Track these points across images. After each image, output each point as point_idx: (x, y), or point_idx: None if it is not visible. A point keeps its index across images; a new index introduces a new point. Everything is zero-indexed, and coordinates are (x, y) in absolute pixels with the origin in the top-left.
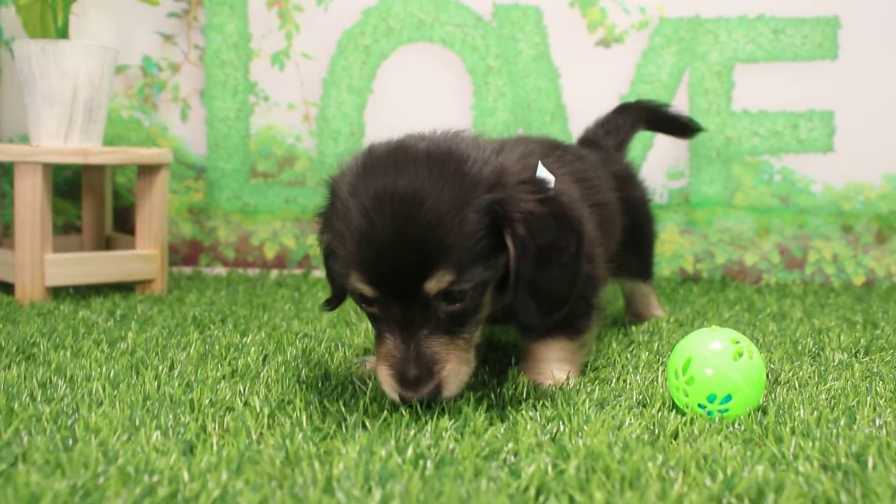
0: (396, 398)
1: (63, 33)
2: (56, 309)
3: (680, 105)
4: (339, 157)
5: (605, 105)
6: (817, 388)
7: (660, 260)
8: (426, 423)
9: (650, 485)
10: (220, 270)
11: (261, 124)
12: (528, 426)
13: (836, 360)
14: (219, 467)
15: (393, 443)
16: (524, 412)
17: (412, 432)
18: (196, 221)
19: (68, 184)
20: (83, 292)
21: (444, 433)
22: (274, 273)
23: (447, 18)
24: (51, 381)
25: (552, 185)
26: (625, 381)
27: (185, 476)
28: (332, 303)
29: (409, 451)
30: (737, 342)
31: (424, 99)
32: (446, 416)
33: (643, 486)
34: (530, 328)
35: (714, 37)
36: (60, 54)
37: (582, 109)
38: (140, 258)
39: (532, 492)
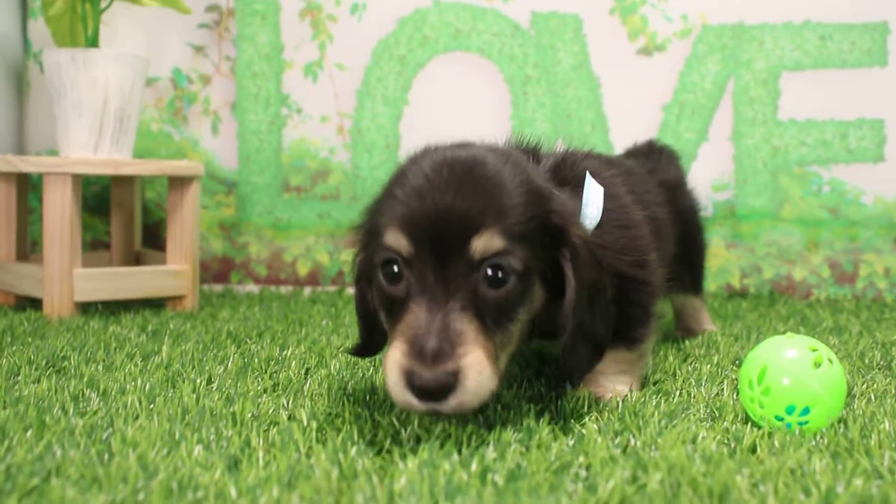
0: (399, 385)
1: (93, 43)
2: (85, 324)
3: (724, 115)
4: (373, 170)
5: (646, 114)
6: None
7: (706, 275)
8: (489, 436)
9: (744, 500)
10: (252, 288)
11: (293, 137)
12: (598, 439)
13: None
14: (269, 482)
15: (456, 456)
16: (589, 425)
17: (474, 445)
18: (227, 237)
19: (96, 199)
20: (112, 308)
21: (509, 446)
22: (307, 290)
23: (484, 27)
24: (83, 395)
25: (600, 203)
26: (689, 393)
27: (233, 492)
28: (362, 349)
29: (474, 465)
30: (815, 349)
31: (462, 109)
32: (509, 429)
33: (736, 502)
34: (572, 372)
35: (759, 44)
36: (91, 63)
37: (623, 119)
38: (171, 274)
39: None
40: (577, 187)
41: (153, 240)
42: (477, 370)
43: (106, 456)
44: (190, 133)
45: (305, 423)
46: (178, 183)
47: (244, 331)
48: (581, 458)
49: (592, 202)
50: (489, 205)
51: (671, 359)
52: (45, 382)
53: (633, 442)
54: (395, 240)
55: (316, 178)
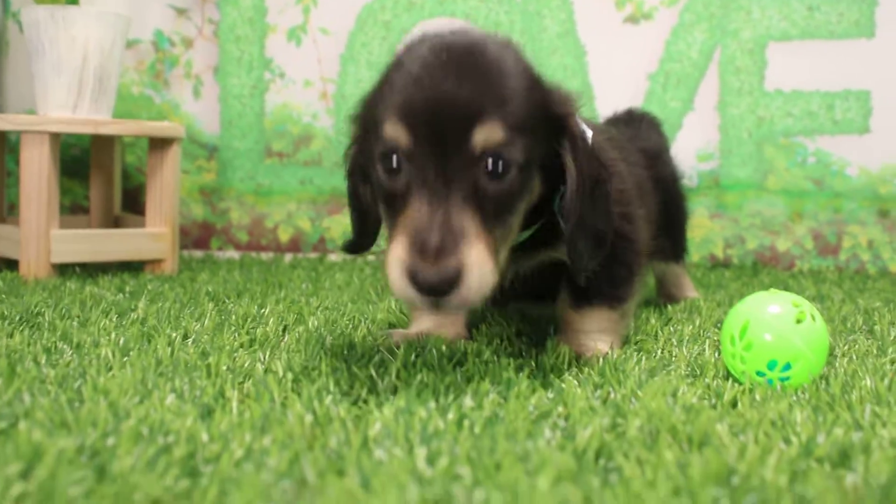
0: (401, 281)
1: (73, 1)
2: (62, 284)
3: (710, 84)
4: None
5: (632, 83)
6: (878, 359)
7: (689, 245)
8: (467, 386)
9: (724, 445)
10: (233, 254)
11: (276, 102)
12: (577, 391)
13: (893, 335)
14: (241, 428)
15: (432, 404)
16: (569, 379)
17: (452, 396)
18: (208, 203)
19: (76, 162)
20: (90, 271)
21: (486, 396)
22: (288, 257)
23: None
24: (56, 347)
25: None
26: (670, 353)
27: (204, 437)
28: (355, 246)
29: (451, 414)
30: (798, 305)
31: None
32: (487, 381)
33: (717, 447)
34: (576, 270)
35: (746, 13)
36: (70, 21)
37: (609, 88)
38: (150, 236)
39: (591, 453)
40: None
41: (133, 204)
42: (479, 266)
43: (76, 403)
44: (171, 97)
45: (281, 374)
46: (159, 145)
47: (223, 291)
48: (560, 408)
49: None
50: (490, 93)
51: (653, 321)
52: (18, 336)
53: (612, 394)
54: (394, 131)
55: (298, 144)
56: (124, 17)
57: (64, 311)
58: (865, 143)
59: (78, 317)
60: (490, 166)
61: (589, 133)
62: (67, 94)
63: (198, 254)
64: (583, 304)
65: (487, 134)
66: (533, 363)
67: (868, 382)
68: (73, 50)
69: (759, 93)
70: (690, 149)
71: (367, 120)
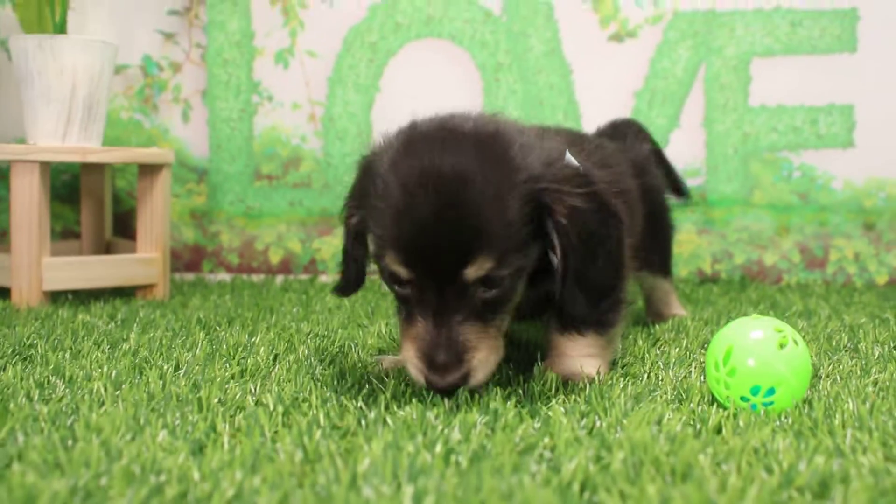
0: (423, 381)
1: (61, 29)
2: (54, 313)
3: (696, 101)
4: (345, 157)
5: (618, 101)
6: (861, 380)
7: (677, 260)
8: (454, 418)
9: (706, 478)
10: (224, 276)
11: (265, 125)
12: (563, 421)
13: (877, 354)
14: (232, 466)
15: (420, 438)
16: (556, 407)
17: (440, 428)
18: (198, 226)
19: (67, 188)
20: (82, 298)
21: (473, 428)
22: (279, 279)
23: (456, 14)
24: (49, 382)
25: (592, 176)
26: (657, 377)
27: (196, 475)
28: (346, 289)
29: (439, 447)
30: (780, 330)
31: (433, 96)
32: (475, 411)
33: (698, 480)
34: (574, 321)
35: (730, 30)
36: (58, 50)
37: (595, 105)
38: (141, 262)
39: (576, 487)
40: None
41: (124, 229)
42: (484, 363)
43: (69, 441)
44: (160, 121)
45: (272, 407)
46: (148, 170)
47: (214, 318)
48: (546, 440)
49: None
50: (479, 233)
51: (640, 343)
52: (11, 370)
53: (598, 423)
54: (396, 267)
55: (287, 166)
56: (112, 45)
57: (56, 342)
58: (849, 157)
59: (70, 348)
60: (482, 284)
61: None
62: (57, 123)
63: (189, 277)
64: (571, 330)
65: (478, 269)
66: (520, 391)
67: (850, 405)
68: (62, 79)
69: (744, 108)
70: (677, 165)
71: (364, 200)
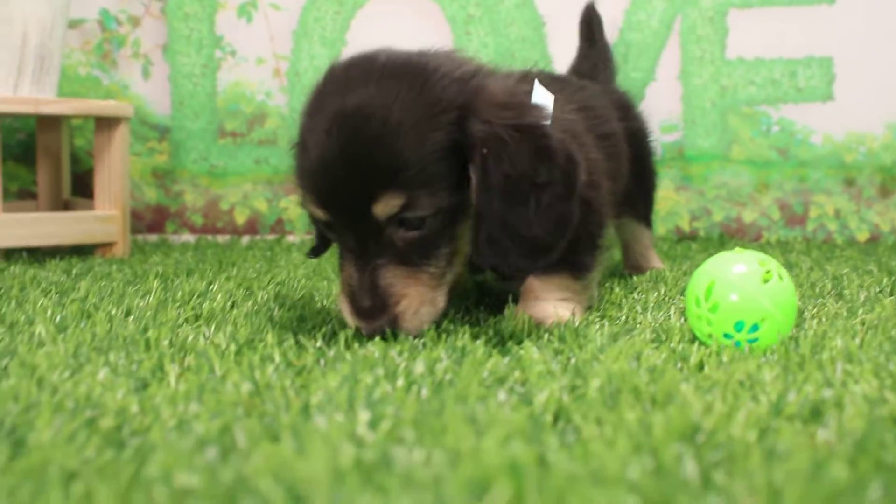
0: (353, 324)
1: None
2: (6, 269)
3: (672, 54)
4: None
5: None
6: (848, 321)
7: (655, 218)
8: (418, 354)
9: (689, 404)
10: (188, 237)
11: (228, 80)
12: (535, 356)
13: (862, 298)
14: (174, 400)
15: (380, 371)
16: (527, 345)
17: (402, 363)
18: (161, 186)
19: (23, 147)
20: (38, 256)
21: (438, 363)
22: (245, 239)
23: None
24: None
25: (545, 112)
26: (634, 319)
27: (135, 409)
28: (316, 249)
29: (400, 381)
30: (764, 264)
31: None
32: (440, 346)
33: (681, 406)
34: (508, 277)
35: None
36: None
37: (569, 59)
38: (99, 219)
39: (548, 416)
40: None
41: (84, 189)
42: (412, 311)
43: (1, 380)
44: (120, 77)
45: (224, 347)
46: (106, 124)
47: (173, 272)
48: (517, 374)
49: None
50: (381, 167)
51: (617, 290)
52: None
53: (572, 359)
54: (312, 209)
55: (252, 123)
56: None
57: (2, 291)
58: (829, 111)
59: (17, 297)
60: (401, 224)
61: (548, 103)
62: (6, 74)
63: (152, 238)
64: (545, 271)
65: (385, 205)
66: (490, 331)
67: (839, 343)
68: (12, 28)
69: (721, 61)
70: (653, 120)
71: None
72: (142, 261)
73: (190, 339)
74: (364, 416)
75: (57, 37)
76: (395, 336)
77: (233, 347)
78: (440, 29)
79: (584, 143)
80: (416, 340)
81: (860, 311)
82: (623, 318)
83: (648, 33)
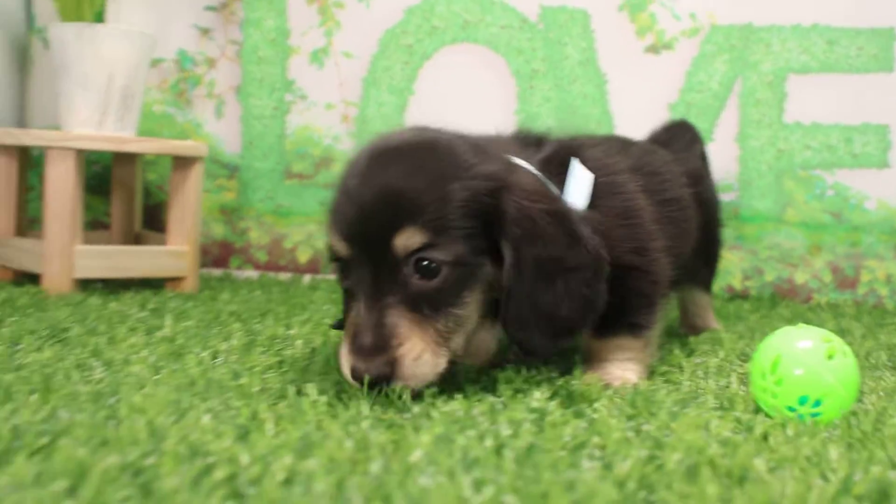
0: (347, 372)
1: (99, 19)
2: (85, 300)
3: (731, 116)
4: None
5: (652, 112)
6: None
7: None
8: (500, 416)
9: (763, 481)
10: (251, 273)
11: (297, 123)
12: (612, 421)
13: None
14: (280, 451)
15: (471, 432)
16: (601, 409)
17: (486, 424)
18: (228, 222)
19: (97, 179)
20: (111, 287)
21: (522, 425)
22: (307, 277)
23: (492, 19)
24: (87, 364)
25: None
26: (697, 385)
27: (245, 459)
28: (340, 324)
29: (489, 441)
30: (829, 340)
31: (467, 102)
32: (521, 409)
33: (757, 483)
34: (520, 347)
35: (766, 46)
36: (97, 39)
37: (629, 117)
38: (171, 254)
39: (632, 485)
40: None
41: (154, 222)
42: (412, 358)
43: (114, 421)
44: (193, 116)
45: (315, 398)
46: (182, 163)
47: (247, 311)
48: (596, 439)
49: (575, 188)
50: (408, 202)
51: (676, 352)
52: (48, 351)
53: (645, 426)
54: (335, 243)
55: (319, 166)
56: (149, 35)
57: (91, 326)
58: (884, 177)
59: (106, 333)
60: (418, 267)
61: (585, 180)
62: (92, 112)
63: (216, 272)
64: (605, 334)
65: (406, 240)
66: (563, 392)
67: None
68: (100, 67)
69: (779, 125)
70: None
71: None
72: (211, 297)
73: (279, 386)
74: (466, 479)
75: (140, 77)
76: (385, 388)
77: (323, 399)
78: (505, 82)
79: (635, 216)
80: (496, 399)
81: None
82: (686, 382)
83: (708, 94)
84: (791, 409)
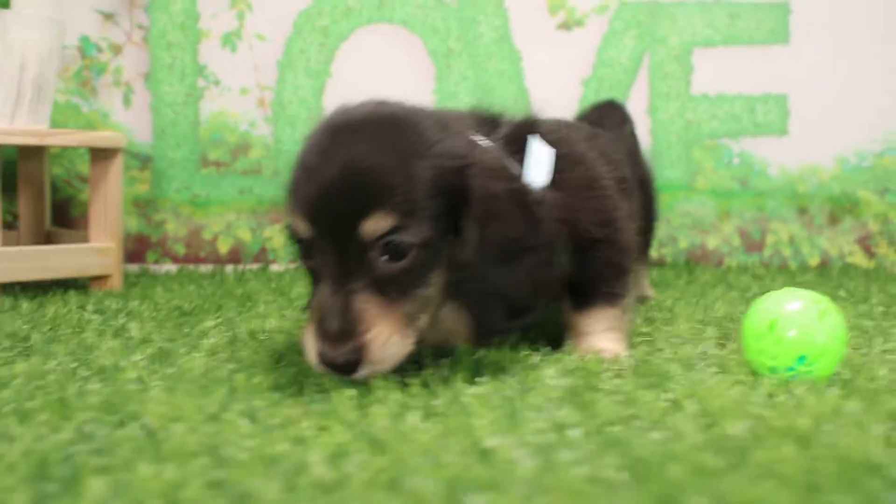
0: (314, 360)
1: (4, 4)
2: (17, 306)
3: (641, 90)
4: (296, 143)
5: (567, 88)
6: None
7: None
8: (527, 397)
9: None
10: (170, 267)
11: (211, 110)
12: (642, 394)
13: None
14: (352, 446)
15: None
16: (619, 382)
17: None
18: (142, 215)
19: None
20: (30, 291)
21: (562, 406)
22: (229, 268)
23: None
24: (76, 374)
25: (537, 179)
26: (683, 353)
27: (314, 458)
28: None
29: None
30: (819, 301)
31: (385, 82)
32: (543, 390)
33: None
34: (486, 331)
35: (672, 21)
36: (5, 25)
37: (544, 93)
38: (96, 252)
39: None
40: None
41: (62, 218)
42: (380, 343)
43: (144, 432)
44: (99, 105)
45: (344, 391)
46: (101, 155)
47: (201, 306)
48: (643, 412)
49: (535, 165)
50: (376, 183)
51: (637, 321)
52: (22, 364)
53: (668, 396)
54: (297, 223)
55: (236, 153)
56: (59, 21)
57: (51, 335)
58: (784, 144)
59: (70, 340)
60: (385, 250)
61: (544, 156)
62: (4, 104)
63: (133, 268)
64: (583, 306)
65: (374, 224)
66: (568, 368)
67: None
68: (10, 57)
69: (686, 97)
70: None
71: (287, 200)
72: (143, 294)
73: (292, 381)
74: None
75: (53, 65)
76: (355, 370)
77: (352, 391)
78: (422, 62)
79: (600, 188)
80: (512, 380)
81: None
82: (667, 350)
83: (619, 69)
84: (791, 368)
